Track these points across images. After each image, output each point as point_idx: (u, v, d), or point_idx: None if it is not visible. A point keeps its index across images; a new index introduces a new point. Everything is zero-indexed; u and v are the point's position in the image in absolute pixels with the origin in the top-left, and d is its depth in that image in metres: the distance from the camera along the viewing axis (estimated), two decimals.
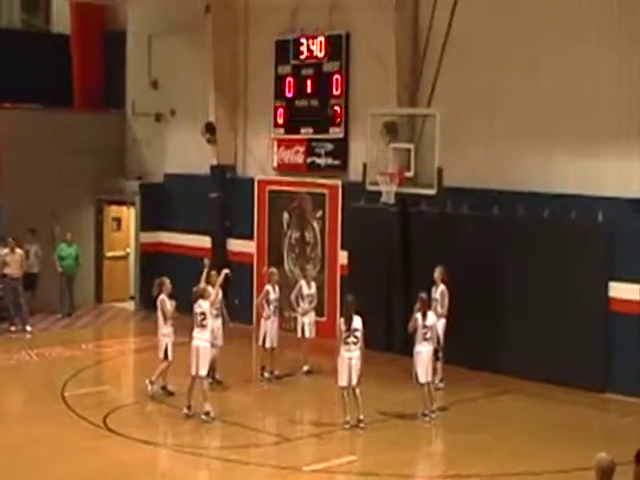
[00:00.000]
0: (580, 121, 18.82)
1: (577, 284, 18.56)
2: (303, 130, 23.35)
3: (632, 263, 17.93)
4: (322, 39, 22.88)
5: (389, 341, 20.98)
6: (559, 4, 19.13)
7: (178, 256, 25.28)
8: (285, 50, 23.60)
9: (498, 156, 19.96)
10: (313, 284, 19.96)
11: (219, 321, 18.15)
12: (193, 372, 16.18)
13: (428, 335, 16.47)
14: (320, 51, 22.94)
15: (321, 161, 23.06)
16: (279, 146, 23.94)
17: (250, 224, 24.35)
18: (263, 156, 24.50)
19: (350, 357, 15.77)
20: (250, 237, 24.39)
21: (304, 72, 23.30)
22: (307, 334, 19.56)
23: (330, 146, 22.85)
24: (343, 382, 15.82)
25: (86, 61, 28.28)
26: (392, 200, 19.89)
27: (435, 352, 16.92)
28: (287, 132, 23.71)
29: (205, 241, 24.94)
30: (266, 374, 19.10)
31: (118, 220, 27.66)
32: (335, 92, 22.65)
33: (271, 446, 15.53)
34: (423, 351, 16.42)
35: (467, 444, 15.21)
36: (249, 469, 14.21)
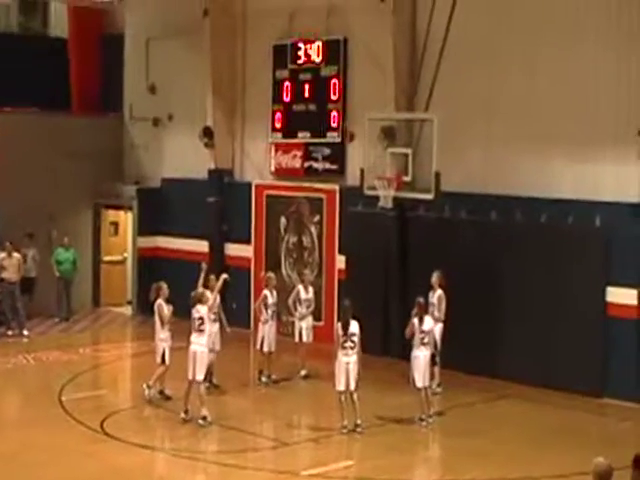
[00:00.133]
0: (578, 126, 18.83)
1: (574, 289, 18.55)
2: (301, 134, 23.35)
3: (629, 268, 17.93)
4: (320, 44, 22.88)
5: (386, 345, 20.96)
6: (556, 9, 19.14)
7: (176, 261, 25.27)
8: (283, 54, 23.61)
9: (496, 161, 19.97)
10: (311, 289, 19.96)
11: (217, 326, 18.13)
12: (190, 377, 16.17)
13: (425, 340, 16.47)
14: (318, 56, 22.95)
15: (319, 165, 23.06)
16: (277, 150, 23.94)
17: (248, 228, 24.34)
18: (261, 160, 24.49)
19: (347, 362, 15.77)
20: (248, 241, 24.39)
21: (302, 77, 23.31)
22: (305, 338, 19.55)
23: (328, 151, 22.85)
24: (341, 387, 15.81)
25: (84, 65, 28.28)
26: (390, 205, 19.90)
27: (432, 357, 16.91)
28: (285, 136, 23.71)
29: (203, 245, 24.93)
30: (264, 378, 19.09)
31: (115, 224, 27.66)
32: (333, 97, 22.66)
33: (268, 450, 15.51)
34: (420, 356, 16.42)
35: (464, 449, 15.21)
36: (246, 474, 14.21)
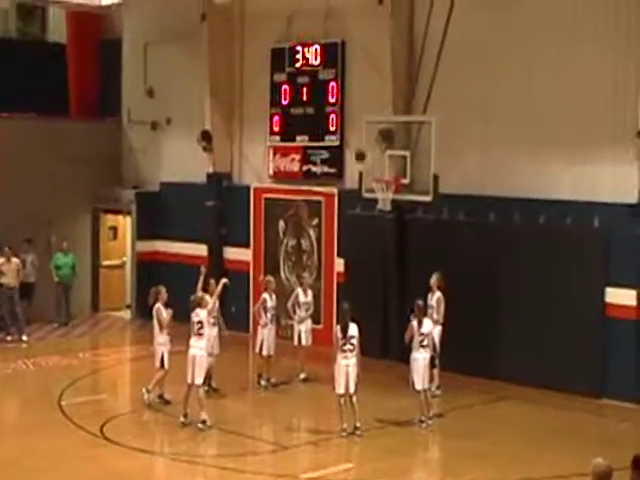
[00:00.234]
0: (575, 127, 18.84)
1: (573, 290, 18.56)
2: (299, 138, 23.36)
3: (628, 268, 17.93)
4: (318, 47, 22.90)
5: (385, 348, 20.96)
6: (554, 11, 19.15)
7: (174, 264, 25.26)
8: (281, 58, 23.62)
9: (494, 162, 19.98)
10: (309, 292, 19.96)
11: (216, 330, 18.13)
12: (189, 380, 16.17)
13: (425, 342, 16.46)
14: (316, 59, 22.96)
15: (317, 169, 23.06)
16: (275, 154, 23.95)
17: (246, 232, 24.34)
18: (259, 164, 24.50)
19: (347, 364, 15.76)
20: (246, 245, 24.39)
21: (300, 80, 23.32)
22: (304, 342, 19.55)
23: (326, 154, 22.86)
24: (340, 390, 15.80)
25: (82, 69, 28.30)
26: (388, 207, 19.90)
27: (432, 359, 16.90)
28: (283, 140, 23.72)
29: (201, 249, 24.93)
30: (263, 382, 19.08)
31: (114, 229, 27.66)
32: (331, 100, 22.67)
33: (268, 454, 15.51)
34: (419, 358, 16.41)
35: (464, 451, 15.20)
36: (246, 477, 14.18)
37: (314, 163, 23.11)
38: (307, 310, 19.66)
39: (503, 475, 14.12)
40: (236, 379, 19.54)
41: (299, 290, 19.92)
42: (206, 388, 17.03)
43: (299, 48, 23.22)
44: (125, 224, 27.31)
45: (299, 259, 23.36)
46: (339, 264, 22.43)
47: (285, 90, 23.60)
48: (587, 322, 18.36)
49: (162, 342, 17.36)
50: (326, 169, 22.88)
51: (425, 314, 16.78)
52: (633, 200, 17.92)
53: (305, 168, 23.29)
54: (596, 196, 18.38)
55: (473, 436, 15.92)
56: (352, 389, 15.77)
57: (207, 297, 17.04)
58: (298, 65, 23.29)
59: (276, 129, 23.85)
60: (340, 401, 15.85)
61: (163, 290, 17.47)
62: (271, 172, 24.12)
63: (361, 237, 21.66)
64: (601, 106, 18.42)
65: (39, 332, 24.31)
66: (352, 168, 21.63)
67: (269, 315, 19.08)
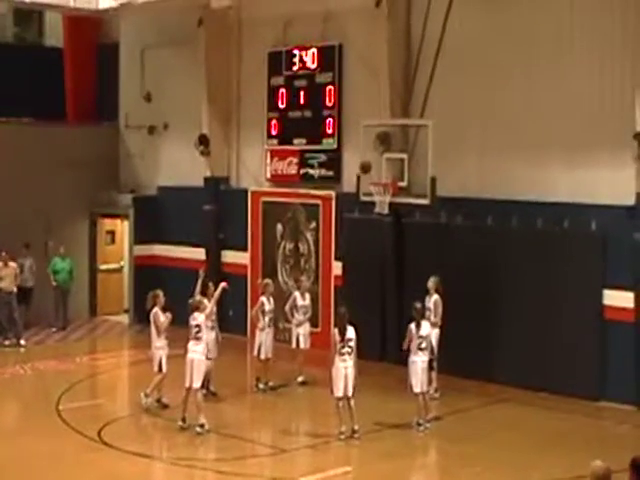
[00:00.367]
0: (573, 130, 18.85)
1: (571, 292, 18.56)
2: (296, 141, 23.37)
3: (626, 271, 17.92)
4: (315, 50, 22.91)
5: (383, 351, 20.97)
6: (552, 13, 19.15)
7: (172, 269, 25.26)
8: (278, 62, 23.64)
9: (491, 165, 19.99)
10: (307, 295, 19.96)
11: (214, 333, 18.13)
12: (187, 384, 16.16)
13: (423, 345, 16.45)
14: (313, 62, 22.98)
15: (314, 172, 23.07)
16: (272, 157, 23.96)
17: (244, 235, 24.34)
18: (256, 167, 24.51)
19: (345, 367, 15.76)
20: (244, 248, 24.39)
21: (297, 83, 23.34)
22: (302, 345, 19.55)
23: (323, 157, 22.87)
24: (339, 392, 15.79)
25: (79, 74, 28.30)
26: (386, 210, 19.92)
27: (430, 362, 16.89)
28: (280, 143, 23.74)
29: (199, 253, 24.93)
30: (261, 385, 19.08)
31: (112, 233, 27.66)
32: (328, 103, 22.68)
33: (266, 457, 15.50)
34: (418, 361, 16.40)
35: (462, 454, 15.19)
36: None
37: (311, 166, 23.12)
38: (305, 313, 19.66)
39: (501, 478, 14.11)
40: (234, 383, 19.54)
41: (297, 293, 19.92)
42: (204, 392, 17.01)
43: (296, 52, 23.24)
44: (123, 228, 27.32)
45: (297, 262, 23.36)
46: (337, 267, 22.43)
47: (282, 94, 23.62)
48: (585, 324, 18.36)
49: (159, 346, 17.35)
50: (323, 172, 22.90)
51: (423, 317, 16.77)
52: (630, 203, 17.92)
53: (303, 171, 23.31)
54: (594, 199, 18.38)
55: (471, 439, 15.92)
56: (350, 392, 15.77)
57: (205, 301, 17.04)
58: (295, 69, 23.31)
59: (273, 132, 23.86)
60: (338, 404, 15.85)
61: (161, 294, 17.47)
62: (269, 175, 24.13)
63: (359, 240, 21.67)
64: (598, 109, 18.43)
65: (37, 336, 24.30)
66: (350, 171, 21.62)
67: (267, 318, 19.08)
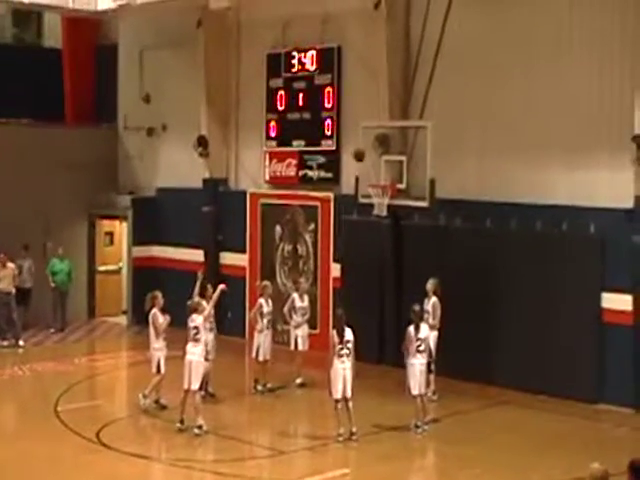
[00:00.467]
0: (572, 132, 18.85)
1: (570, 295, 18.54)
2: (295, 143, 23.37)
3: (624, 273, 17.92)
4: (314, 52, 22.92)
5: (382, 353, 20.96)
6: (551, 15, 19.15)
7: (171, 270, 25.26)
8: (277, 63, 23.64)
9: (490, 168, 19.99)
10: (306, 297, 19.95)
11: (212, 335, 18.13)
12: (185, 386, 16.14)
13: (421, 347, 16.43)
14: (312, 64, 22.98)
15: (313, 174, 23.07)
16: (271, 159, 23.96)
17: (242, 237, 24.33)
18: (255, 169, 24.50)
19: (344, 368, 15.75)
20: (243, 250, 24.37)
21: (296, 85, 23.34)
22: (300, 347, 19.53)
23: (322, 159, 22.87)
24: (338, 394, 15.78)
25: (78, 75, 28.31)
26: (384, 212, 19.91)
27: (428, 364, 16.88)
28: (279, 145, 23.74)
29: (198, 255, 24.92)
30: (259, 387, 19.06)
31: (110, 234, 27.66)
32: (327, 105, 22.68)
33: (265, 459, 15.48)
34: (416, 363, 16.38)
35: (460, 456, 15.17)
36: None
37: (310, 168, 23.12)
38: (303, 315, 19.65)
39: None
40: (233, 384, 19.52)
41: (295, 295, 19.90)
42: (203, 393, 17.00)
43: (295, 53, 23.24)
44: (121, 230, 27.32)
45: (295, 264, 23.35)
46: (335, 269, 22.42)
47: (281, 95, 23.62)
48: (583, 327, 18.34)
49: (158, 347, 17.35)
50: (322, 174, 22.89)
51: (422, 319, 16.76)
52: (629, 205, 17.91)
53: (301, 173, 23.31)
54: (592, 202, 18.37)
55: (470, 441, 15.90)
56: (349, 393, 15.76)
57: (203, 303, 17.02)
58: (294, 70, 23.31)
59: (272, 134, 23.87)
60: (337, 406, 15.83)
61: (159, 295, 17.47)
62: (267, 177, 24.13)
63: (357, 242, 21.66)
64: (597, 111, 18.43)
65: (35, 338, 24.29)
66: (348, 173, 21.63)
67: (265, 320, 19.07)
